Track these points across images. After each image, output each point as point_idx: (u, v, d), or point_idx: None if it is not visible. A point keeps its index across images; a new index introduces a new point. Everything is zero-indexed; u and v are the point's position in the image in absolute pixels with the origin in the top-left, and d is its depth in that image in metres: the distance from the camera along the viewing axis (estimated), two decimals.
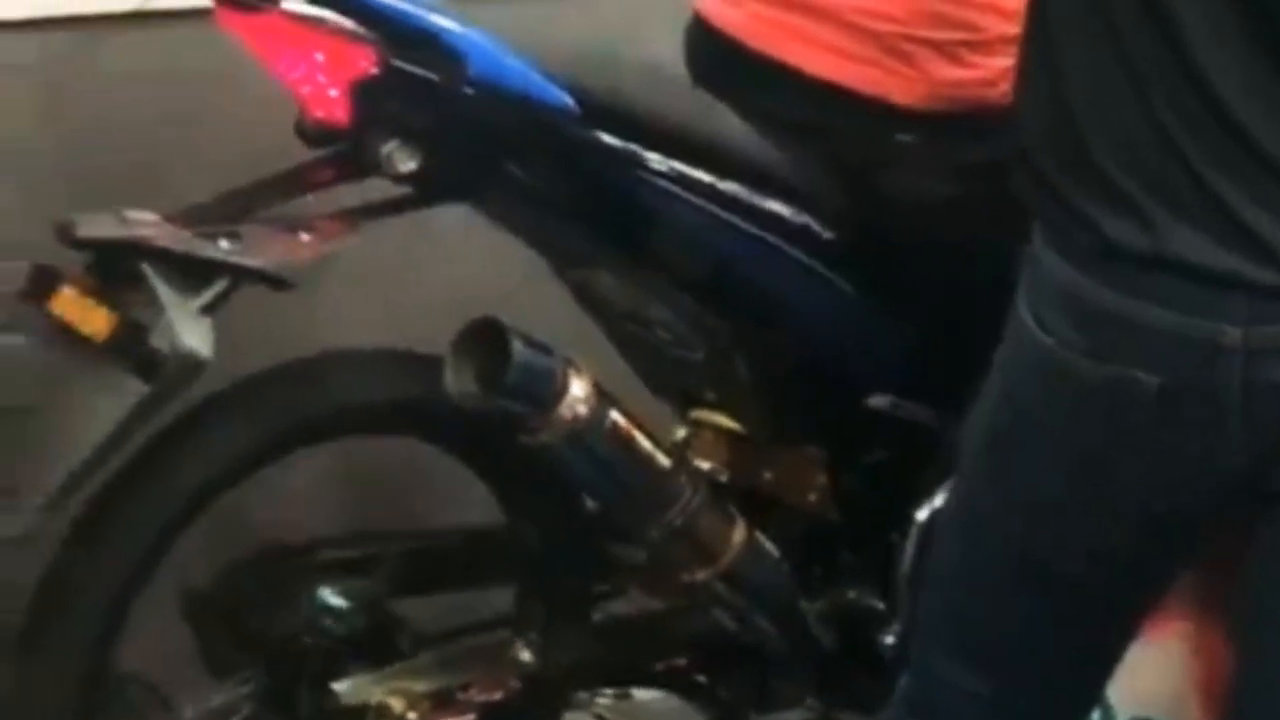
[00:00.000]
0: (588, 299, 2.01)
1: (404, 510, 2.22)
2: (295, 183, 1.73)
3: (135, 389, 1.62)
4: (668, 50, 2.02)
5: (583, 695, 2.05)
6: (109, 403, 1.62)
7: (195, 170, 2.16)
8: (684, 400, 2.07)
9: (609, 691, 2.08)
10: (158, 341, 1.60)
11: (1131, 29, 1.37)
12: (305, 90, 1.72)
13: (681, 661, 2.08)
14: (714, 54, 1.97)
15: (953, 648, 1.58)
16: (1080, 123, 1.40)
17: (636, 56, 1.92)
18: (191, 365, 1.62)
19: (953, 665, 1.57)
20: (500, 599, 2.10)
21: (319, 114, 1.71)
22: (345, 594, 1.86)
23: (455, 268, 2.27)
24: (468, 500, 2.09)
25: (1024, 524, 1.50)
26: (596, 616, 2.02)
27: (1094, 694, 1.63)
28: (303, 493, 2.08)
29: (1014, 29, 1.84)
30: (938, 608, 1.63)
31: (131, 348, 1.61)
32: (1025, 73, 1.50)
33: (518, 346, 1.70)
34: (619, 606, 2.05)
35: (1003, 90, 1.89)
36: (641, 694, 2.19)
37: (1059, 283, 1.45)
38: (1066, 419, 1.46)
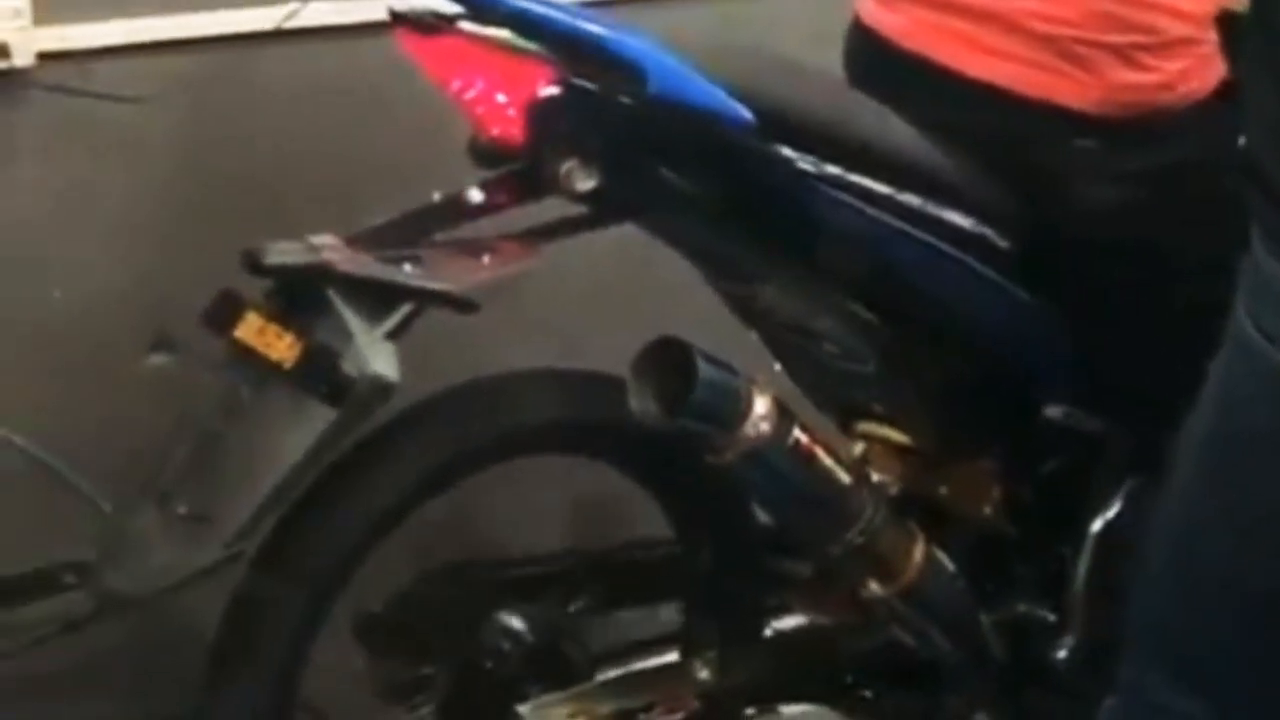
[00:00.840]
0: (750, 313, 1.98)
1: (574, 528, 2.22)
2: (472, 204, 1.70)
3: (322, 415, 1.62)
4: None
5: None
6: (297, 429, 1.62)
7: (342, 187, 2.17)
8: (847, 413, 2.05)
9: (751, 710, 2.07)
10: (346, 367, 1.60)
11: None
12: (480, 110, 1.70)
13: (849, 677, 2.06)
14: (875, 59, 1.95)
15: (1164, 667, 1.54)
16: None
17: (802, 63, 1.90)
18: (381, 390, 1.61)
19: (1164, 686, 1.53)
20: (661, 613, 2.11)
21: (495, 132, 1.69)
22: (524, 615, 1.85)
23: (613, 284, 2.28)
24: (633, 517, 2.09)
25: (1244, 540, 1.46)
26: (767, 634, 2.00)
27: None
28: (477, 513, 2.08)
29: (1192, 31, 1.86)
30: (1148, 625, 1.59)
31: (319, 374, 1.61)
32: (1249, 68, 1.44)
33: (703, 366, 1.68)
34: (788, 623, 2.03)
35: (1180, 93, 1.89)
36: (790, 710, 2.18)
37: None
38: None
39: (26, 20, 2.04)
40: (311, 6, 2.15)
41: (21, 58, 2.04)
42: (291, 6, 2.14)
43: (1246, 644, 1.50)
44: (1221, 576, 1.49)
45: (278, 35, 2.15)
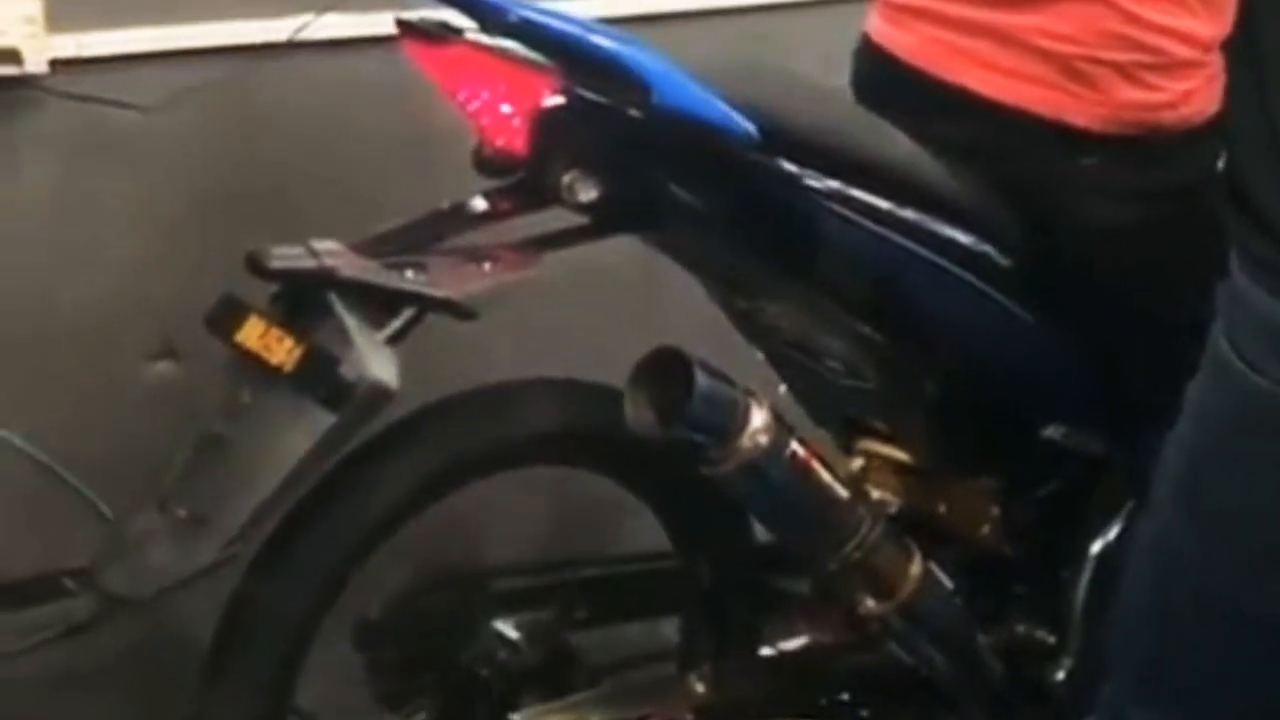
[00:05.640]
0: (754, 329, 1.99)
1: (572, 539, 2.22)
2: (476, 213, 1.72)
3: (322, 419, 1.62)
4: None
5: None
6: (296, 433, 1.62)
7: (351, 197, 2.18)
8: (848, 430, 2.06)
9: None
10: (346, 372, 1.61)
11: None
12: (485, 120, 1.71)
13: (846, 695, 2.06)
14: (884, 77, 1.96)
15: (1144, 691, 1.53)
16: None
17: (808, 79, 1.91)
18: (380, 395, 1.62)
19: (1144, 709, 1.52)
20: (659, 628, 2.11)
21: (499, 142, 1.70)
22: (520, 625, 1.86)
23: (613, 295, 2.29)
24: (631, 530, 2.09)
25: (1226, 568, 1.46)
26: (764, 650, 2.01)
27: None
28: (475, 522, 2.09)
29: (1199, 54, 1.86)
30: (1129, 650, 1.59)
31: (318, 377, 1.62)
32: (1235, 92, 1.43)
33: (700, 377, 1.68)
34: (785, 639, 2.04)
35: (1184, 113, 1.89)
36: None
37: (1264, 317, 1.39)
38: (1273, 458, 1.42)
39: (39, 27, 2.05)
40: (324, 19, 2.18)
41: (34, 64, 2.05)
42: (304, 18, 2.17)
43: (1229, 671, 1.49)
44: (1202, 606, 1.48)
45: (290, 47, 2.18)
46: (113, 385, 2.15)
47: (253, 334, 1.63)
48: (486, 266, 1.70)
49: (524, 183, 1.72)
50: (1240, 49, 1.42)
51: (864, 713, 2.06)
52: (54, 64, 2.07)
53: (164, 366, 2.19)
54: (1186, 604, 1.50)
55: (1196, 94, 1.89)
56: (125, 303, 2.15)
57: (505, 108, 1.69)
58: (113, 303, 2.14)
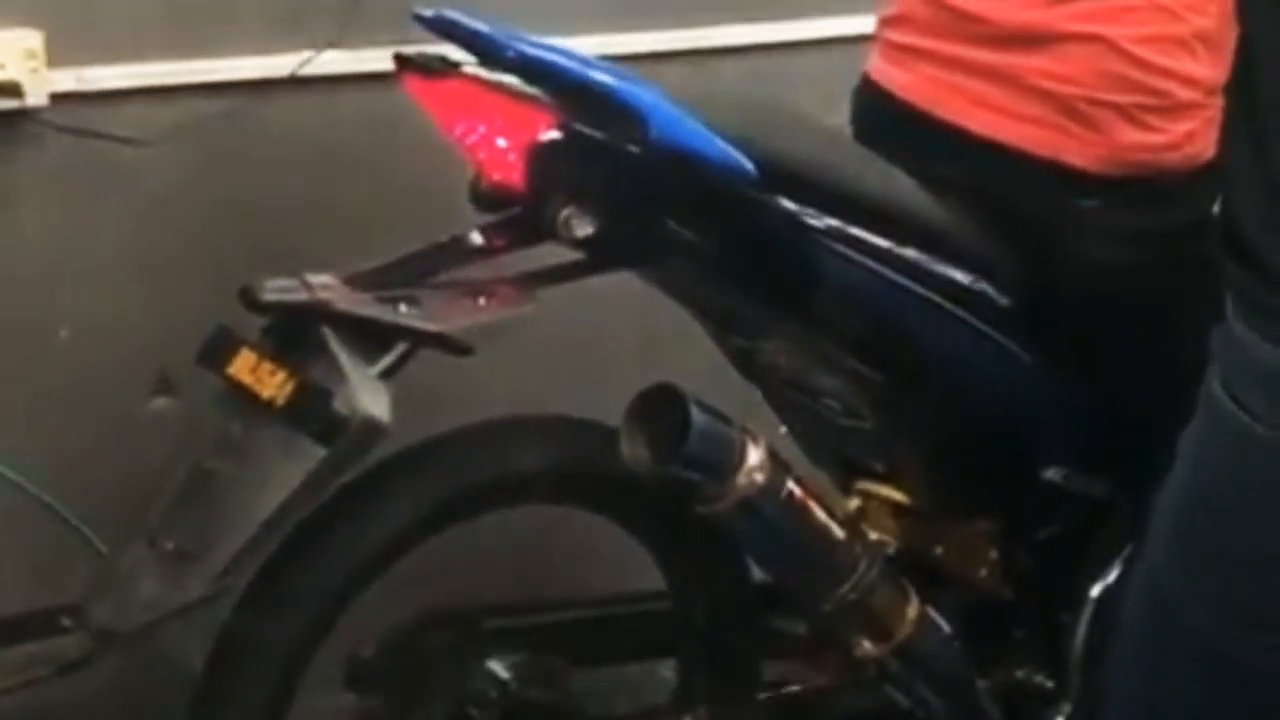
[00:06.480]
0: (750, 366, 1.98)
1: (566, 579, 2.21)
2: (472, 247, 1.71)
3: (313, 454, 1.61)
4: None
5: None
6: (287, 467, 1.61)
7: (347, 233, 2.18)
8: (846, 470, 2.05)
9: None
10: (338, 406, 1.59)
11: None
12: (482, 154, 1.71)
13: None
14: (883, 116, 1.95)
15: None
16: None
17: (807, 117, 1.91)
18: (372, 430, 1.61)
19: None
20: (654, 669, 2.09)
21: (496, 177, 1.70)
22: (514, 665, 1.84)
23: (609, 331, 2.28)
24: (626, 570, 2.07)
25: (1215, 612, 1.45)
26: (760, 691, 1.99)
27: None
28: (468, 560, 2.07)
29: (1200, 96, 1.86)
30: (1123, 689, 1.58)
31: (310, 412, 1.61)
32: (1230, 137, 1.44)
33: (696, 414, 1.67)
34: (781, 680, 2.02)
35: (1185, 154, 1.89)
36: None
37: (1257, 360, 1.39)
38: (1268, 504, 1.41)
39: (40, 61, 2.05)
40: (325, 55, 2.18)
41: (34, 98, 2.05)
42: (305, 54, 2.17)
43: (1209, 706, 1.48)
44: (1194, 655, 1.47)
45: (290, 83, 2.18)
46: (109, 420, 2.15)
47: (244, 367, 1.62)
48: (482, 301, 1.70)
49: (520, 217, 1.71)
50: (1238, 100, 1.42)
51: None
52: (54, 98, 2.07)
53: (161, 402, 2.19)
54: (1177, 645, 1.49)
55: (1197, 136, 1.88)
56: (122, 338, 2.15)
57: (502, 142, 1.69)
58: (110, 337, 2.14)
